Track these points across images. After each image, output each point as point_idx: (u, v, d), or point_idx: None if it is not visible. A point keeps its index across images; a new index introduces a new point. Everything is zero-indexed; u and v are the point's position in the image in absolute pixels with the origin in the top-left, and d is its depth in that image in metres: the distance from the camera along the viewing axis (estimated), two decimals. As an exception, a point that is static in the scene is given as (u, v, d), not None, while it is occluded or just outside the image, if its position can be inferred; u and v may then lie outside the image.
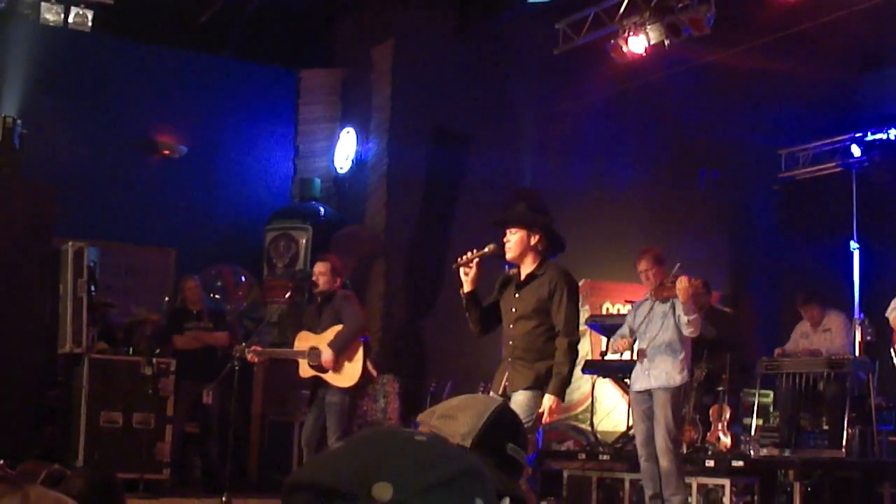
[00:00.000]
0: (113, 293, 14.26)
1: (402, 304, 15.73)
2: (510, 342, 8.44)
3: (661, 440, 10.39)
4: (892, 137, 15.85)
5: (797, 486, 11.32)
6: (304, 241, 15.87)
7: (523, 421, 8.08)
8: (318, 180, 16.71)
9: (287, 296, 12.45)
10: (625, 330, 10.79)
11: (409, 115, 15.97)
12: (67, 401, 12.80)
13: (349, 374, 10.62)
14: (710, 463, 11.69)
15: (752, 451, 12.16)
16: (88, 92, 15.68)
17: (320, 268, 10.98)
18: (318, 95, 17.48)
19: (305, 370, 10.75)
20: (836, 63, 17.09)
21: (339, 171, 16.97)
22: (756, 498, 11.64)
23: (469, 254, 8.44)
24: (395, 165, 15.81)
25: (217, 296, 15.01)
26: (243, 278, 15.69)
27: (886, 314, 7.79)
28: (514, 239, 8.41)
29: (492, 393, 8.46)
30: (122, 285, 15.06)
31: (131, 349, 13.14)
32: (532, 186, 15.67)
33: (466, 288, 8.48)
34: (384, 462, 1.24)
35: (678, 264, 10.87)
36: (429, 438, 1.31)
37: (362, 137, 16.62)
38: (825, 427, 12.87)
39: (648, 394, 10.39)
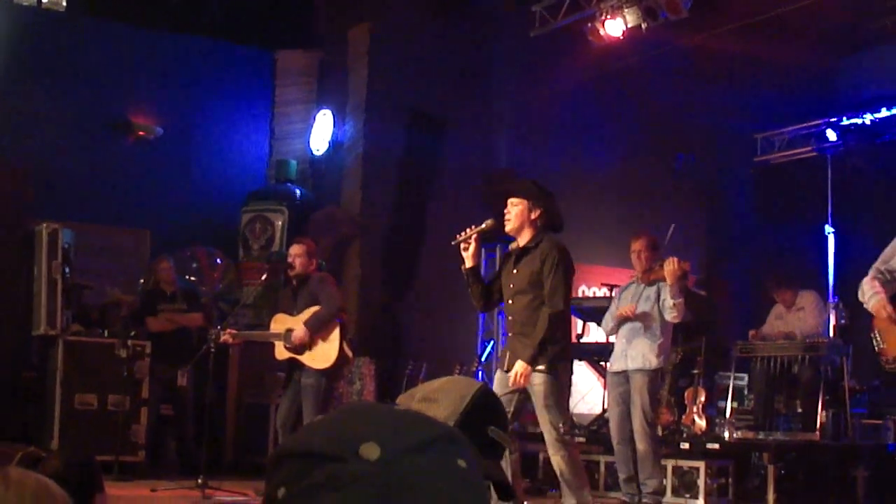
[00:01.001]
0: (88, 275, 14.20)
1: (378, 286, 15.73)
2: (510, 317, 8.46)
3: (637, 423, 10.45)
4: (867, 122, 15.90)
5: (771, 468, 11.38)
6: (279, 222, 15.84)
7: (550, 405, 8.12)
8: (294, 162, 16.66)
9: (263, 278, 12.44)
10: (613, 308, 10.86)
11: (386, 97, 15.95)
12: (42, 383, 12.75)
13: (325, 355, 10.61)
14: (685, 445, 11.73)
15: (726, 434, 12.21)
16: (63, 73, 15.59)
17: (296, 250, 10.97)
18: (294, 77, 17.43)
19: (281, 352, 10.76)
20: (812, 47, 17.12)
21: (316, 152, 16.93)
22: (730, 480, 11.69)
23: (468, 230, 8.43)
24: (372, 147, 15.79)
25: (192, 277, 14.97)
26: (219, 260, 15.65)
27: (860, 297, 7.81)
28: (514, 211, 8.41)
29: (498, 371, 8.45)
30: (97, 267, 14.98)
31: (106, 331, 13.10)
32: (508, 169, 15.67)
33: (468, 264, 8.48)
34: (369, 426, 1.27)
35: (672, 226, 10.96)
36: (406, 409, 1.39)
37: (339, 119, 16.59)
38: (799, 410, 12.92)
39: (625, 376, 10.45)
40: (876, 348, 7.83)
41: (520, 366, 8.12)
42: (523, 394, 8.22)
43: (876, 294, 7.64)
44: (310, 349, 10.62)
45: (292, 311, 10.81)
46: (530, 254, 8.36)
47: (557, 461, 8.12)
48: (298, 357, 10.64)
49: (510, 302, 8.47)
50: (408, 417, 1.33)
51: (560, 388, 8.25)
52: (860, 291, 8.05)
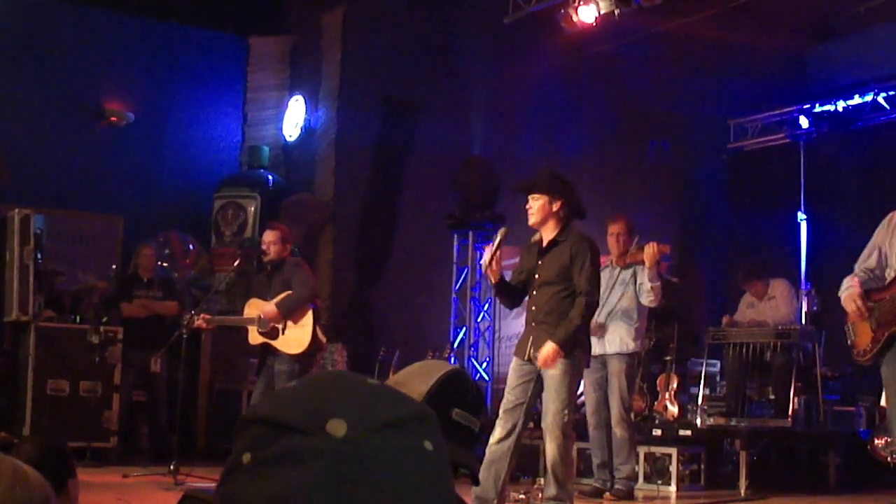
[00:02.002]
0: (60, 261, 14.13)
1: (350, 272, 15.72)
2: (533, 307, 8.46)
3: (615, 409, 10.55)
4: (840, 109, 15.94)
5: (743, 455, 11.42)
6: (252, 209, 15.81)
7: (561, 392, 8.14)
8: (266, 148, 16.63)
9: (236, 264, 12.41)
10: None
11: (359, 82, 15.92)
12: (14, 369, 12.69)
13: (298, 340, 10.60)
14: (658, 432, 11.78)
15: (698, 421, 12.24)
16: (35, 57, 15.51)
17: (270, 236, 10.96)
18: (267, 63, 17.38)
19: (255, 337, 10.74)
20: (785, 34, 17.15)
21: (288, 138, 16.90)
22: (702, 467, 11.73)
23: (488, 253, 8.43)
24: (345, 133, 15.76)
25: (165, 264, 14.94)
26: (191, 246, 15.62)
27: (839, 293, 7.83)
28: (536, 205, 8.42)
29: (514, 360, 8.46)
30: (69, 253, 14.93)
31: (78, 317, 13.06)
32: (482, 155, 15.67)
33: (494, 280, 8.48)
34: (338, 400, 1.28)
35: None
36: (379, 383, 1.36)
37: (311, 105, 16.56)
38: (772, 397, 12.97)
39: (602, 361, 10.52)
40: (849, 341, 7.86)
41: (550, 346, 8.12)
42: (537, 382, 8.24)
43: (849, 288, 7.66)
44: (283, 334, 10.60)
45: (266, 296, 10.80)
46: (559, 246, 8.38)
47: (552, 449, 8.12)
48: (272, 342, 10.63)
49: (534, 293, 8.48)
50: (379, 393, 1.34)
51: (574, 375, 8.29)
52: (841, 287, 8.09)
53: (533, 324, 8.42)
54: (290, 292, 10.66)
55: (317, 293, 11.23)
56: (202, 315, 10.98)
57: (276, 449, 1.26)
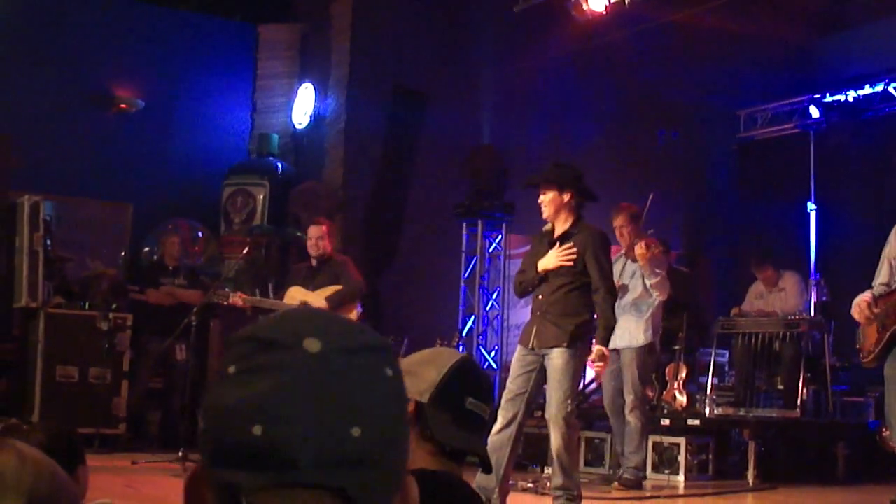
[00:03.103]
0: (69, 247, 14.16)
1: (359, 261, 15.67)
2: (539, 297, 8.48)
3: (628, 398, 10.61)
4: (850, 99, 15.90)
5: (752, 445, 11.43)
6: (261, 196, 15.81)
7: (564, 382, 8.17)
8: (275, 136, 16.62)
9: (245, 251, 12.43)
10: None
11: (368, 71, 15.91)
12: (23, 355, 12.71)
13: None
14: (666, 422, 11.78)
15: (707, 411, 12.26)
16: (44, 45, 15.50)
17: (317, 231, 11.10)
18: (276, 50, 17.37)
19: None
20: (795, 24, 17.12)
21: (298, 126, 16.88)
22: (711, 457, 11.73)
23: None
24: (354, 121, 15.75)
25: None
26: (200, 233, 15.63)
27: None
28: (547, 199, 8.44)
29: (519, 348, 8.47)
30: (78, 240, 14.95)
31: (87, 304, 13.08)
32: (491, 144, 15.67)
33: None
34: (315, 325, 1.46)
35: (651, 195, 11.03)
36: (350, 320, 1.57)
37: (321, 93, 16.55)
38: (780, 387, 12.95)
39: (616, 353, 10.57)
40: (857, 346, 7.90)
41: (601, 350, 8.20)
42: (541, 374, 8.26)
43: (861, 294, 7.72)
44: None
45: (309, 286, 10.89)
46: (571, 239, 8.39)
47: (556, 438, 8.13)
48: None
49: (542, 283, 8.49)
50: (349, 324, 1.52)
51: (577, 366, 8.31)
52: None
53: (538, 314, 8.43)
54: (339, 287, 10.76)
55: (364, 292, 11.31)
56: (239, 294, 11.05)
57: (259, 361, 1.43)
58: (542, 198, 8.48)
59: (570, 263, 8.27)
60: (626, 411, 10.67)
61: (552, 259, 8.34)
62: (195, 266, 14.66)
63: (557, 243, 8.43)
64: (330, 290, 10.79)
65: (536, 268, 8.43)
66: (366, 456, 1.41)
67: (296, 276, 11.26)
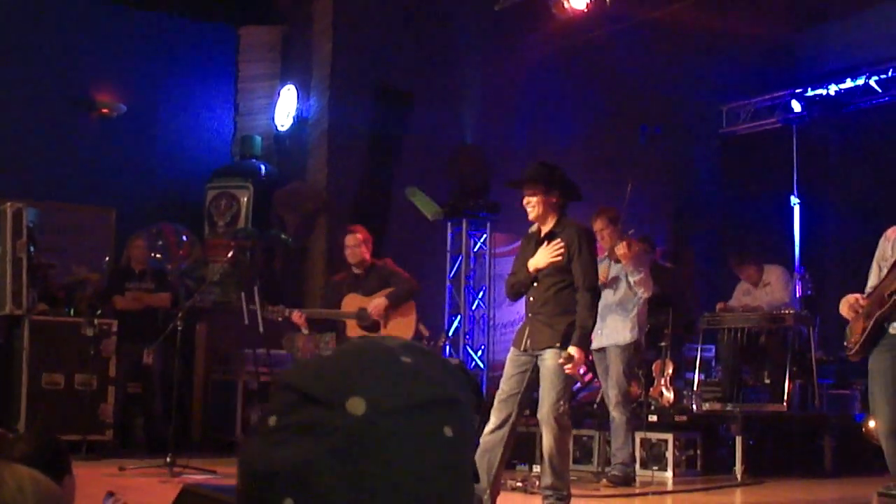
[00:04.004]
0: (52, 254, 14.13)
1: (345, 262, 15.67)
2: (531, 298, 8.45)
3: (611, 393, 10.65)
4: (832, 93, 15.95)
5: (739, 439, 11.44)
6: (245, 199, 15.79)
7: (557, 383, 8.17)
8: (258, 138, 16.60)
9: (230, 255, 12.40)
10: None
11: (350, 71, 15.90)
12: (8, 363, 12.69)
13: (402, 333, 10.76)
14: (654, 418, 11.79)
15: (694, 406, 12.28)
16: (25, 49, 15.46)
17: (354, 240, 11.07)
18: (257, 52, 17.34)
19: (354, 331, 10.86)
20: (776, 19, 17.15)
21: (280, 128, 16.86)
22: (699, 452, 11.75)
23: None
24: (337, 122, 15.74)
25: (158, 255, 14.91)
26: (185, 237, 15.60)
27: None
28: (534, 200, 8.39)
29: (512, 349, 8.45)
30: (62, 245, 14.90)
31: (72, 310, 13.05)
32: (475, 143, 15.67)
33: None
34: (364, 377, 1.33)
35: (629, 184, 11.07)
36: (414, 361, 1.38)
37: (303, 94, 16.53)
38: (767, 381, 12.99)
39: (604, 352, 10.68)
40: (845, 342, 7.92)
41: (574, 351, 8.12)
42: (534, 373, 8.25)
43: (846, 297, 7.74)
44: (384, 327, 10.73)
45: (361, 293, 10.95)
46: (557, 237, 8.37)
47: (548, 440, 8.11)
48: (372, 335, 10.77)
49: (534, 284, 8.48)
50: (407, 373, 1.36)
51: None
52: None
53: (530, 315, 8.43)
54: (392, 289, 10.81)
55: (418, 289, 11.36)
56: (297, 310, 11.01)
57: (299, 418, 1.31)
58: (528, 199, 8.45)
59: (560, 259, 8.26)
60: (610, 407, 10.72)
61: (542, 257, 8.32)
62: (170, 270, 14.61)
63: (545, 242, 8.42)
64: (384, 293, 10.85)
65: (527, 269, 8.42)
66: None
67: (339, 288, 11.23)
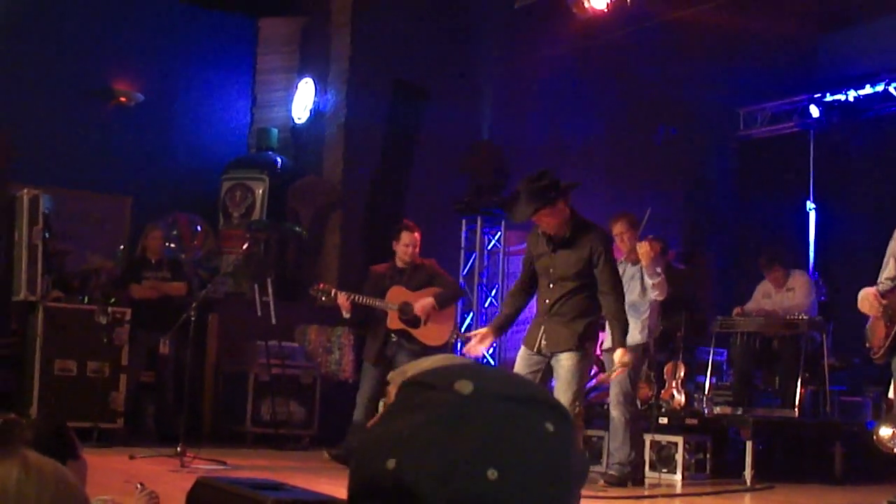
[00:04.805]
0: (68, 241, 14.17)
1: (358, 256, 15.68)
2: (546, 300, 8.47)
3: (613, 392, 10.63)
4: (850, 99, 15.90)
5: (749, 444, 11.40)
6: (260, 191, 15.79)
7: (573, 384, 8.19)
8: (275, 130, 16.60)
9: (244, 247, 12.41)
10: None
11: (368, 66, 15.90)
12: (21, 349, 12.72)
13: (439, 334, 10.95)
14: (664, 420, 11.76)
15: (705, 409, 12.24)
16: (44, 38, 15.48)
17: (413, 239, 11.32)
18: (276, 45, 17.34)
19: (394, 322, 11.10)
20: (796, 23, 17.10)
21: (297, 121, 16.86)
22: (708, 455, 11.72)
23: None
24: (354, 116, 15.75)
25: (173, 244, 14.92)
26: (199, 227, 15.60)
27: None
28: (546, 221, 8.40)
29: (522, 349, 8.46)
30: (78, 233, 14.94)
31: (86, 297, 13.07)
32: (491, 140, 15.65)
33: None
34: (474, 370, 1.45)
35: (648, 210, 11.05)
36: (513, 372, 1.56)
37: (320, 88, 16.53)
38: (778, 386, 12.94)
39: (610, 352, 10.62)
40: (867, 344, 7.90)
41: (623, 353, 8.21)
42: (545, 373, 8.25)
43: (866, 288, 7.71)
44: (424, 324, 10.86)
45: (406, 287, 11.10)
46: (577, 242, 8.37)
47: None
48: (412, 330, 10.88)
49: (550, 286, 8.48)
50: (511, 375, 1.49)
51: (586, 367, 8.34)
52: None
53: (545, 316, 8.41)
54: (439, 289, 10.93)
55: (463, 294, 11.51)
56: (344, 292, 11.14)
57: (413, 401, 1.43)
58: (540, 220, 8.43)
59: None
60: (611, 406, 10.69)
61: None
62: (183, 260, 14.61)
63: (556, 244, 8.42)
64: (430, 291, 10.97)
65: (546, 268, 8.50)
66: (501, 500, 1.35)
67: (381, 279, 11.36)
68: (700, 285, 15.81)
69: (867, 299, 7.68)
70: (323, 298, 11.25)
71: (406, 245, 11.24)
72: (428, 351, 10.85)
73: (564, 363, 8.13)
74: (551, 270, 8.48)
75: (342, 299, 11.09)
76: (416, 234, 11.28)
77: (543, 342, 8.26)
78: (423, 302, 10.88)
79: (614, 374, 8.42)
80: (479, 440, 1.35)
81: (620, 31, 15.22)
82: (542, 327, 8.35)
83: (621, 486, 10.53)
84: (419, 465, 1.34)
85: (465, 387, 1.39)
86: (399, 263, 11.24)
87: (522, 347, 8.52)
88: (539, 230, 8.68)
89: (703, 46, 16.70)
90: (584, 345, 8.21)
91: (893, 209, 14.25)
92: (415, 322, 10.90)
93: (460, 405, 1.38)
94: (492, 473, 1.33)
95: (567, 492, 1.42)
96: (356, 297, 11.24)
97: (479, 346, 8.71)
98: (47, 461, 1.86)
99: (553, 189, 8.39)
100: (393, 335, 11.13)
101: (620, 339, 8.26)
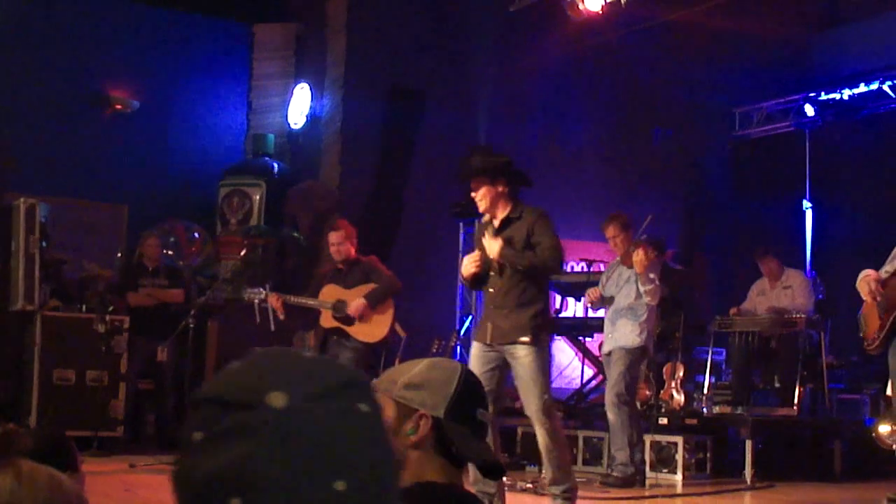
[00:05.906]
0: (65, 249, 14.17)
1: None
2: (491, 290, 8.22)
3: (608, 395, 10.62)
4: (845, 98, 15.92)
5: (749, 443, 11.41)
6: (257, 197, 15.80)
7: (537, 380, 8.06)
8: (271, 136, 16.61)
9: (242, 253, 12.41)
10: (600, 285, 11.15)
11: (364, 70, 15.91)
12: (20, 358, 12.70)
13: (374, 331, 10.88)
14: (664, 420, 11.79)
15: (704, 409, 12.27)
16: (40, 45, 15.49)
17: (336, 237, 11.18)
18: (272, 50, 17.36)
19: (327, 321, 11.01)
20: (791, 23, 17.13)
21: (294, 126, 16.87)
22: (708, 455, 11.74)
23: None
24: (350, 121, 15.75)
25: (170, 252, 14.92)
26: (196, 234, 15.60)
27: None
28: (481, 192, 8.15)
29: (475, 345, 8.30)
30: (74, 241, 14.95)
31: (84, 306, 13.06)
32: (487, 144, 15.65)
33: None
34: (277, 374, 1.39)
35: (650, 216, 11.06)
36: (314, 356, 1.47)
37: (317, 93, 16.54)
38: (777, 385, 12.96)
39: (612, 355, 10.68)
40: (861, 333, 7.87)
41: (498, 245, 8.04)
42: (503, 370, 8.13)
43: (865, 272, 7.68)
44: (359, 321, 10.81)
45: (341, 286, 11.03)
46: (513, 224, 8.14)
47: (541, 434, 7.97)
48: (346, 328, 10.85)
49: (492, 275, 8.28)
50: (316, 364, 1.44)
51: (544, 358, 8.12)
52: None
53: (492, 307, 8.24)
54: (374, 286, 10.87)
55: (399, 288, 11.40)
56: (275, 294, 11.11)
57: (224, 425, 1.35)
58: (474, 193, 8.25)
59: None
60: (607, 407, 10.68)
61: (494, 246, 8.16)
62: (181, 267, 14.62)
63: (501, 231, 8.25)
64: (365, 288, 10.89)
65: (492, 259, 8.24)
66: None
67: (321, 279, 11.35)
68: (697, 285, 15.84)
69: (867, 282, 7.65)
70: (256, 301, 11.23)
71: (332, 244, 11.22)
72: (368, 347, 10.96)
73: (523, 360, 7.95)
74: (492, 258, 8.27)
75: (273, 300, 11.09)
76: (343, 231, 11.17)
77: (493, 335, 8.10)
78: (355, 305, 10.83)
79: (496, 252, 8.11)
80: (315, 455, 1.33)
81: (615, 33, 15.24)
82: (490, 320, 8.19)
83: (627, 486, 10.54)
84: (267, 499, 1.31)
85: (277, 399, 1.34)
86: (338, 264, 11.25)
87: (475, 343, 8.34)
88: (482, 222, 8.56)
89: (697, 47, 16.73)
90: (539, 337, 8.02)
91: (889, 207, 14.28)
92: (348, 319, 10.88)
93: (277, 423, 1.34)
94: (339, 485, 1.33)
95: (389, 460, 1.42)
96: (288, 298, 11.25)
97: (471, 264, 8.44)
98: (41, 469, 1.88)
99: (499, 166, 8.25)
100: (334, 335, 11.08)
101: (509, 254, 8.03)
